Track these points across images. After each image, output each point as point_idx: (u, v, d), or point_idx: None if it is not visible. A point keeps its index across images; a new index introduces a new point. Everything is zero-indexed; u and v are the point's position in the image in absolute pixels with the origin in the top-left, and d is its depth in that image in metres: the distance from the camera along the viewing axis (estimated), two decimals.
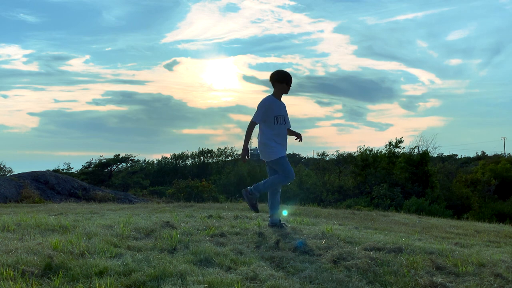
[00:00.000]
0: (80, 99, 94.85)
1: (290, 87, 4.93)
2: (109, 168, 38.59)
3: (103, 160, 38.03)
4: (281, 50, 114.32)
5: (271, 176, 4.89)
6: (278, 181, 4.85)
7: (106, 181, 35.21)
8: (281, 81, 4.87)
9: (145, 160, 47.07)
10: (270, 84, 4.96)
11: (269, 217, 4.95)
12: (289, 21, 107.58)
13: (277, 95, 4.91)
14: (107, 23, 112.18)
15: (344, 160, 33.91)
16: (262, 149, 4.88)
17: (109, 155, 39.35)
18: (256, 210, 5.05)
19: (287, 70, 4.96)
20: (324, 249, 3.73)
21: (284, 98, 5.00)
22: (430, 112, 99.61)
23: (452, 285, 2.88)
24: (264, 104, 4.82)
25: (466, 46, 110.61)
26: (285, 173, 4.79)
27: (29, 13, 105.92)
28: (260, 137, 4.90)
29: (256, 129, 4.92)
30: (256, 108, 4.85)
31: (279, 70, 4.93)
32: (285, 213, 5.15)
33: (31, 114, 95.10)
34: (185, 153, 49.28)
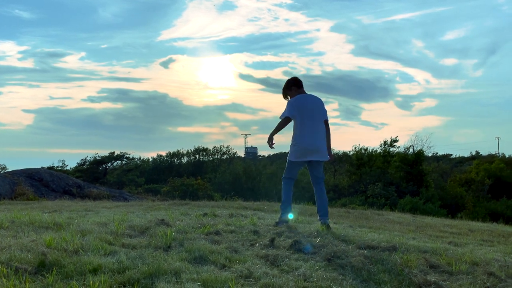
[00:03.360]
0: (75, 96, 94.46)
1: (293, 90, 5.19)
2: (104, 166, 38.47)
3: (98, 158, 37.88)
4: (277, 49, 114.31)
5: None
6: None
7: (101, 178, 35.08)
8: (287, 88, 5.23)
9: (140, 158, 46.91)
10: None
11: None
12: (285, 20, 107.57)
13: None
14: (103, 20, 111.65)
15: (339, 159, 34.02)
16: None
17: (104, 152, 39.24)
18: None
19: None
20: (318, 247, 3.74)
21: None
22: (425, 111, 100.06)
23: (446, 284, 2.90)
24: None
25: (462, 46, 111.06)
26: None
27: (24, 9, 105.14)
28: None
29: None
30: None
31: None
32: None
33: (25, 111, 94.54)
34: (181, 151, 49.19)
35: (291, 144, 5.03)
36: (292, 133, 5.06)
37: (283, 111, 5.05)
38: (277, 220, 5.14)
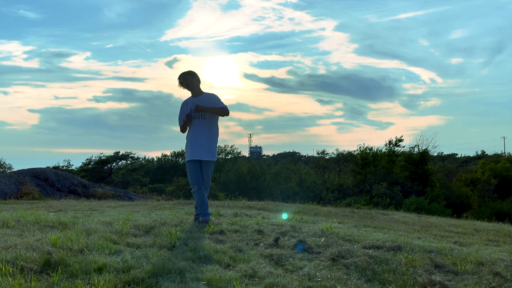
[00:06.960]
0: (80, 96, 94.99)
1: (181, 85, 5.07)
2: (109, 165, 38.53)
3: (103, 157, 37.96)
4: (282, 48, 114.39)
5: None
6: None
7: (106, 178, 35.16)
8: None
9: (145, 158, 46.96)
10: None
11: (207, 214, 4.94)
12: (290, 19, 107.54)
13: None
14: (108, 20, 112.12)
15: (344, 158, 33.92)
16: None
17: (109, 152, 39.34)
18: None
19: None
20: (323, 247, 3.74)
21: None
22: (430, 111, 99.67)
23: (451, 284, 2.88)
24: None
25: (467, 45, 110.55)
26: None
27: (29, 9, 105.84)
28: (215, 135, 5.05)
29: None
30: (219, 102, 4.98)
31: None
32: (285, 216, 5.17)
33: (31, 110, 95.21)
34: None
35: (215, 144, 5.05)
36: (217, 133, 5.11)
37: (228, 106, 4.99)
38: (206, 219, 4.86)
